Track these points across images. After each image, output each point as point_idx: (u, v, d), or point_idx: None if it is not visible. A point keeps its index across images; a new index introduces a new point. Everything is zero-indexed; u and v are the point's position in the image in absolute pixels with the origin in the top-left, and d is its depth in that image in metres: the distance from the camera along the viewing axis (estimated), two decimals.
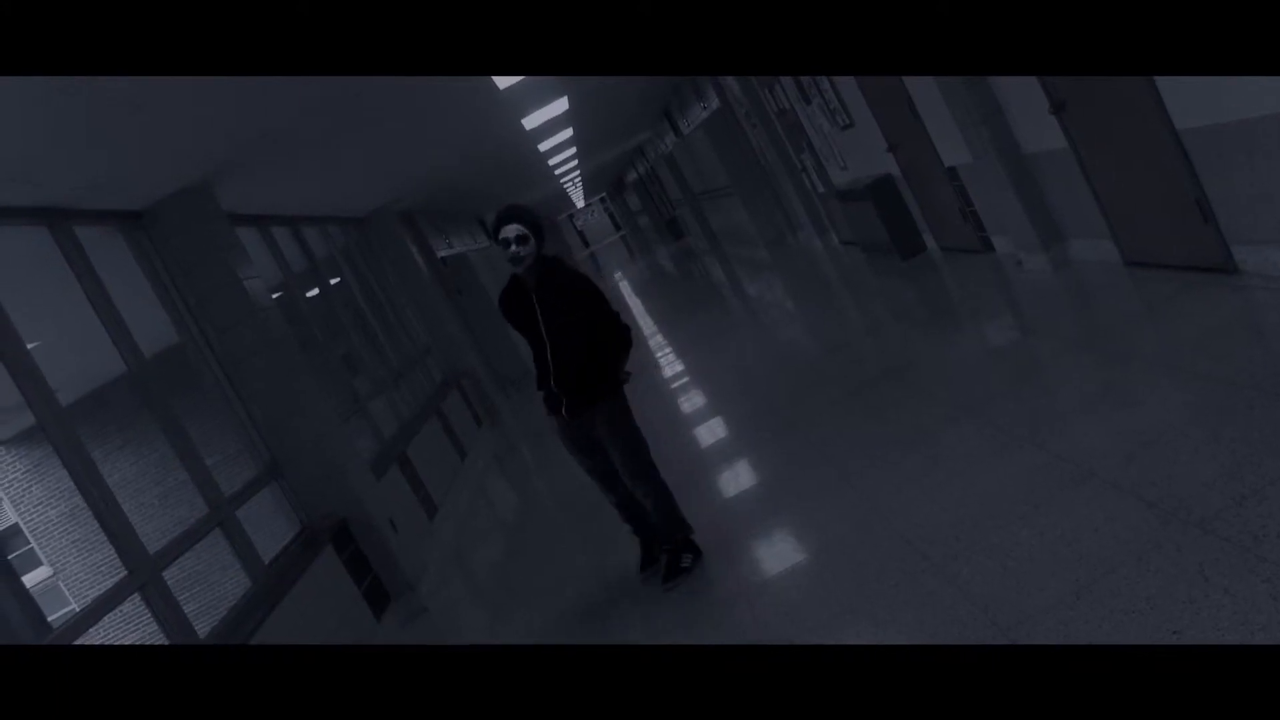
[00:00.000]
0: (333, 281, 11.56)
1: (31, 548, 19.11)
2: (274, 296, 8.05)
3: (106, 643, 16.03)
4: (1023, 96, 7.08)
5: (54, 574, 18.97)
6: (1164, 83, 5.48)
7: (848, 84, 10.49)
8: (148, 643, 15.84)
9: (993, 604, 3.70)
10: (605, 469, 5.58)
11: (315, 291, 10.82)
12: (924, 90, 8.51)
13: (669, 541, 5.55)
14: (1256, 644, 2.77)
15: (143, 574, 5.23)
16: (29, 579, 18.40)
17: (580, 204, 53.60)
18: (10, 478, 18.92)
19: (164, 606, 5.28)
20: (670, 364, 12.65)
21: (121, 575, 5.18)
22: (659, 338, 15.49)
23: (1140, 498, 3.88)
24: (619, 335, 5.44)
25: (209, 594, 13.35)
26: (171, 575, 5.51)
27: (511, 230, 5.18)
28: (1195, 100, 5.33)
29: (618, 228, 59.38)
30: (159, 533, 6.16)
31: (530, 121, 13.19)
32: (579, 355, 5.35)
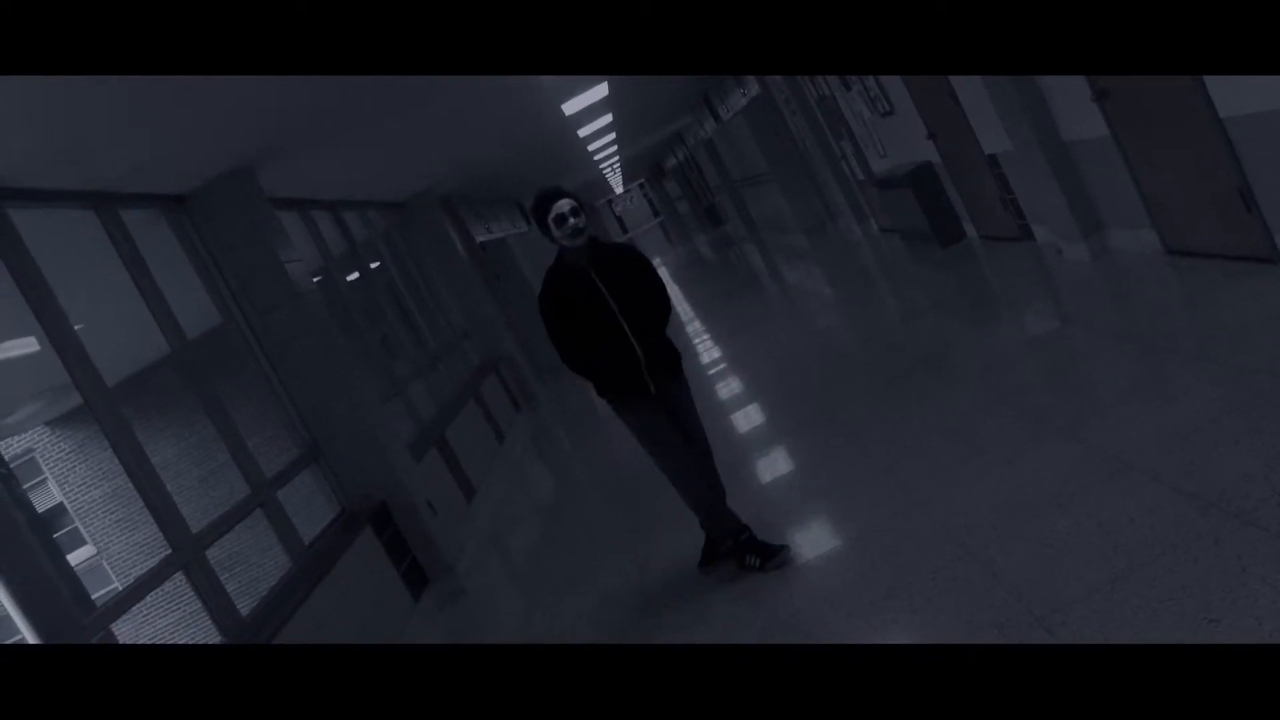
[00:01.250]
0: (372, 266, 11.64)
1: (75, 527, 19.39)
2: (315, 280, 8.12)
3: (147, 621, 16.28)
4: (1065, 85, 7.03)
5: (97, 553, 19.26)
6: None
7: None
8: (187, 622, 16.06)
9: (1028, 591, 3.70)
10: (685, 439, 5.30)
11: (355, 275, 10.90)
12: (965, 78, 8.46)
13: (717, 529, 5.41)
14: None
15: (186, 552, 5.32)
16: (73, 558, 18.69)
17: (619, 190, 53.59)
18: (55, 458, 19.21)
19: (207, 585, 5.37)
20: (708, 350, 12.66)
21: (165, 554, 5.27)
22: (696, 324, 15.50)
23: (1179, 489, 3.86)
24: (668, 303, 5.31)
25: (248, 574, 13.54)
26: (213, 555, 5.59)
27: (565, 204, 4.99)
28: (1239, 88, 5.27)
29: (656, 214, 59.29)
30: (199, 514, 6.25)
31: (570, 107, 13.22)
32: (655, 325, 5.20)
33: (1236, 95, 5.32)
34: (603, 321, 5.07)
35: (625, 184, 53.43)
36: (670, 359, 5.25)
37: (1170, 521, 3.66)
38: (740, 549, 5.19)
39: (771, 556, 5.07)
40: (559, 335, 5.18)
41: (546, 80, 10.14)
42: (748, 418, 8.42)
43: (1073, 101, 7.01)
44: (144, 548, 17.82)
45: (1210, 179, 5.88)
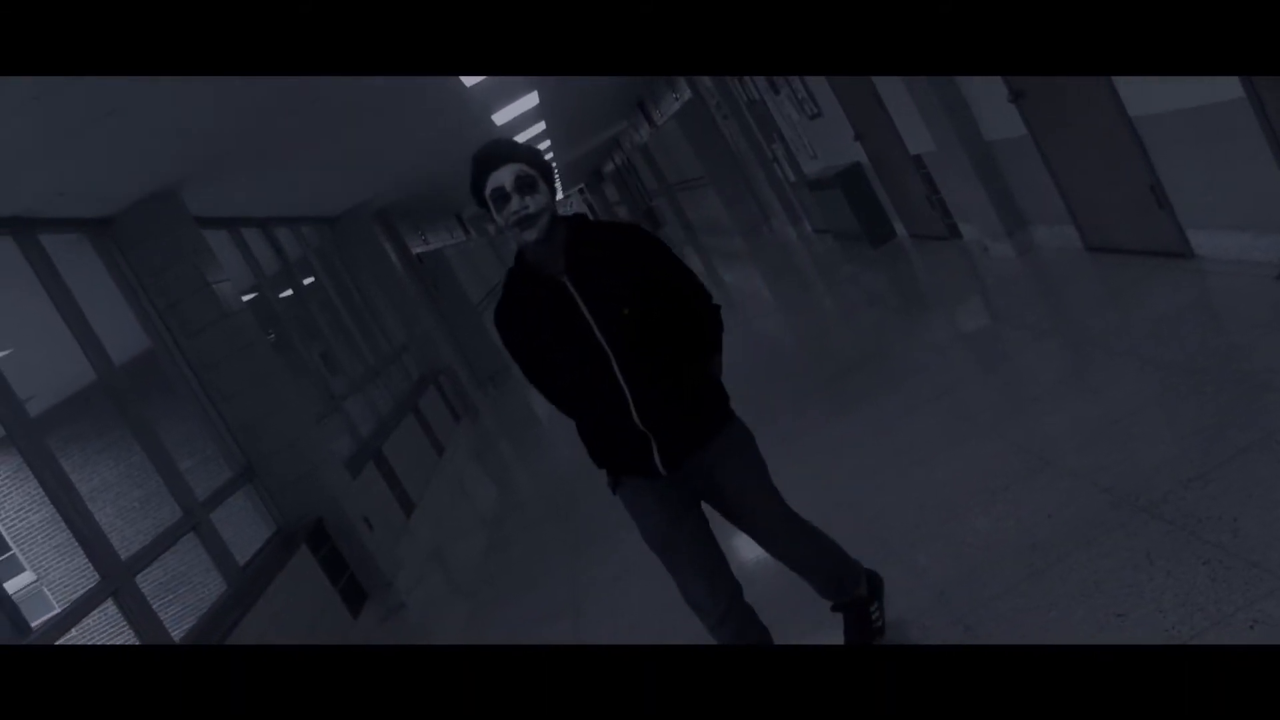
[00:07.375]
0: (307, 282, 11.57)
1: (14, 554, 19.07)
2: (247, 299, 8.07)
3: (93, 644, 16.02)
4: (984, 85, 7.14)
5: (37, 579, 18.94)
6: None
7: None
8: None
9: (949, 590, 3.77)
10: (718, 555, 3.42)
11: (289, 292, 10.83)
12: (888, 79, 8.56)
13: (848, 597, 3.68)
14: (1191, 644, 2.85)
15: (115, 580, 5.27)
16: (12, 585, 18.37)
17: (559, 196, 53.55)
18: None
19: (137, 611, 5.32)
20: None
21: (95, 582, 5.23)
22: None
23: (1094, 483, 3.95)
24: (712, 317, 3.43)
25: (194, 595, 13.36)
26: (155, 577, 5.55)
27: (507, 174, 2.97)
28: (1147, 89, 5.39)
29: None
30: (141, 534, 6.19)
31: (501, 117, 13.20)
32: (669, 361, 3.19)
33: (1144, 96, 5.43)
34: (584, 358, 3.11)
35: (565, 190, 53.44)
36: (700, 418, 3.30)
37: (1084, 516, 3.74)
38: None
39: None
40: (527, 371, 3.34)
41: (475, 91, 10.14)
42: None
43: (991, 102, 7.12)
44: (85, 573, 17.50)
45: (1123, 177, 6.00)
